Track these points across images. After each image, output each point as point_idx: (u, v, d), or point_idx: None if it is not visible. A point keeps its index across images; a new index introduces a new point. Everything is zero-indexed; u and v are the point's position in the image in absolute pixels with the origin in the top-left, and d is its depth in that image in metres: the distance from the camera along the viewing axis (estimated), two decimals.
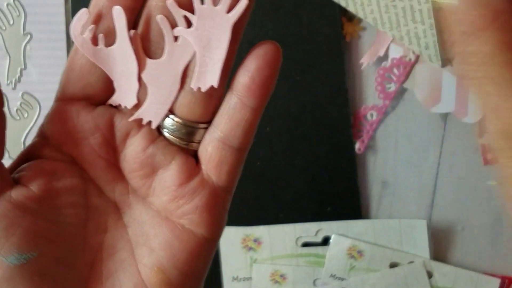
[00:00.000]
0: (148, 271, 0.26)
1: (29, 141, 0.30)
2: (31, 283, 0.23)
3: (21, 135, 0.52)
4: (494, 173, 0.52)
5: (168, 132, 0.26)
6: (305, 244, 0.54)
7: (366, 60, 0.51)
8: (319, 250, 0.54)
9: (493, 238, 0.54)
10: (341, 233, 0.53)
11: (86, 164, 0.26)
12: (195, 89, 0.25)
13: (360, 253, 0.53)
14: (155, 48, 0.25)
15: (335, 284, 0.54)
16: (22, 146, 0.52)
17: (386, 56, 0.51)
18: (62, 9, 0.53)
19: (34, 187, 0.24)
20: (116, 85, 0.26)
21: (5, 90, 0.52)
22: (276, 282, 0.54)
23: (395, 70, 0.51)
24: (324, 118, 0.53)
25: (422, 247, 0.53)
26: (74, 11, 0.52)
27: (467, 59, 0.20)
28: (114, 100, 0.26)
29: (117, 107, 0.27)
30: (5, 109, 0.50)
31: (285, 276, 0.54)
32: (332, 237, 0.53)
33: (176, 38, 0.25)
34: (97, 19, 0.25)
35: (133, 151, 0.26)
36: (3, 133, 0.24)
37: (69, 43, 0.54)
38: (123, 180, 0.27)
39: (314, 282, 0.54)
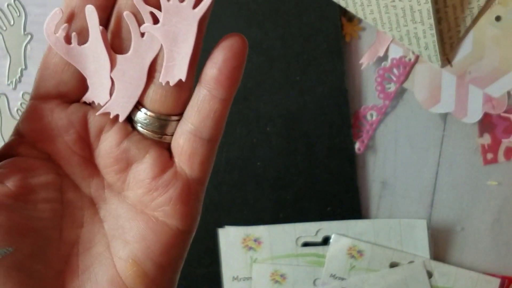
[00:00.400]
0: (123, 263, 0.26)
1: None
2: (7, 277, 0.24)
3: None
4: (494, 173, 0.53)
5: (141, 126, 0.27)
6: (305, 244, 0.54)
7: (366, 60, 0.51)
8: (319, 250, 0.54)
9: (493, 238, 0.54)
10: (341, 233, 0.53)
11: (61, 161, 0.27)
12: (163, 83, 0.26)
13: (360, 253, 0.53)
14: (126, 45, 0.26)
15: (335, 284, 0.54)
16: None
17: (386, 56, 0.51)
18: None
19: (10, 183, 0.25)
20: (89, 82, 0.27)
21: (5, 90, 0.52)
22: (276, 282, 0.54)
23: (394, 70, 0.51)
24: (324, 118, 0.53)
25: (422, 247, 0.53)
26: None
27: None
28: (88, 97, 0.27)
29: (90, 104, 0.27)
30: (5, 108, 0.50)
31: (285, 276, 0.54)
32: (332, 237, 0.53)
33: (142, 34, 0.26)
34: (70, 18, 0.25)
35: (107, 146, 0.27)
36: None
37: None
38: (99, 175, 0.27)
39: (314, 282, 0.54)
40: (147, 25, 0.26)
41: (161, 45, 0.26)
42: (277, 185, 0.54)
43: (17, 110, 0.52)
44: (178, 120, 0.27)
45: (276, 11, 0.52)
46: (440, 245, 0.54)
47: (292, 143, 0.53)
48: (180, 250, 0.28)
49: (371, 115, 0.52)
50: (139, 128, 0.27)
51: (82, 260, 0.26)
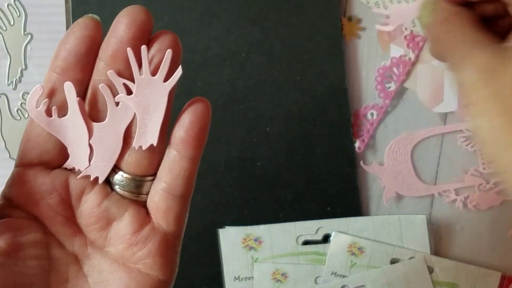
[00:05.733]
0: None
1: None
2: None
3: (22, 135, 0.52)
4: (494, 173, 0.53)
5: (119, 187, 0.29)
6: (306, 242, 0.54)
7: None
8: (319, 248, 0.54)
9: (492, 235, 0.55)
10: (341, 230, 0.54)
11: (46, 221, 0.29)
12: (136, 147, 0.28)
13: (360, 250, 0.54)
14: (102, 114, 0.29)
15: (336, 281, 0.54)
16: None
17: (386, 55, 0.52)
18: (62, 9, 0.52)
19: (1, 242, 0.27)
20: (69, 150, 0.29)
21: (5, 90, 0.51)
22: (278, 280, 0.55)
23: (394, 70, 0.52)
24: (324, 118, 0.53)
25: (422, 243, 0.54)
26: (74, 11, 0.52)
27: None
28: (69, 164, 0.29)
29: (71, 170, 0.29)
30: (5, 108, 0.50)
31: (287, 274, 0.54)
32: (333, 234, 0.54)
33: (117, 103, 0.28)
34: (51, 94, 0.28)
35: (89, 206, 0.29)
36: None
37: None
38: (81, 233, 0.29)
39: (315, 280, 0.54)
40: (121, 95, 0.28)
41: (134, 113, 0.28)
42: (277, 185, 0.54)
43: (17, 110, 0.52)
44: (153, 180, 0.29)
45: (276, 11, 0.52)
46: (440, 240, 0.55)
47: (292, 143, 0.54)
48: None
49: (372, 115, 0.53)
50: (117, 189, 0.29)
51: None
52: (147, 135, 0.28)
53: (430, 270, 0.54)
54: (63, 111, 0.28)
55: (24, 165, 0.28)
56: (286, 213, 0.54)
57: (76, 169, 0.29)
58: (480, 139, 0.28)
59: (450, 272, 0.54)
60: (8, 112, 0.51)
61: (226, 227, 0.54)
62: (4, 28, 0.51)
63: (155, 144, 0.28)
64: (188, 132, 0.27)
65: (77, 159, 0.29)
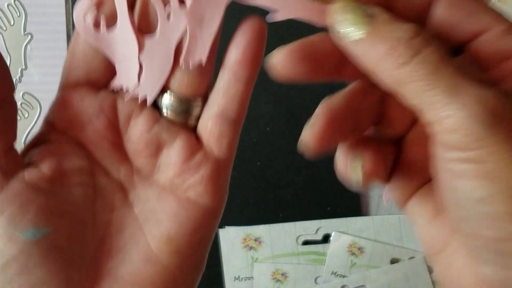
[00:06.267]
0: (157, 241, 0.27)
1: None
2: (47, 257, 0.24)
3: (22, 135, 0.52)
4: None
5: (167, 111, 0.27)
6: (306, 242, 0.54)
7: None
8: (319, 248, 0.54)
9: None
10: (341, 230, 0.54)
11: (92, 147, 0.27)
12: (185, 63, 0.26)
13: (360, 250, 0.54)
14: (152, 28, 0.26)
15: (336, 281, 0.54)
16: (23, 146, 0.51)
17: None
18: (62, 9, 0.53)
19: (45, 168, 0.26)
20: (117, 67, 0.27)
21: None
22: (278, 280, 0.55)
23: None
24: None
25: None
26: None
27: (406, 67, 0.21)
28: (116, 82, 0.27)
29: (118, 92, 0.28)
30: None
31: (287, 274, 0.55)
32: (333, 234, 0.54)
33: (168, 15, 0.26)
34: (99, 4, 0.26)
35: (138, 131, 0.27)
36: (15, 117, 0.26)
37: (70, 43, 0.54)
38: (127, 160, 0.28)
39: (315, 280, 0.55)
40: (174, 6, 0.25)
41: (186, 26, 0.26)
42: (277, 185, 0.54)
43: None
44: (203, 103, 0.27)
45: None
46: None
47: (292, 143, 0.54)
48: (210, 227, 0.28)
49: None
50: (166, 113, 0.27)
51: (115, 241, 0.27)
52: (197, 50, 0.26)
53: (430, 270, 0.54)
54: (111, 23, 0.26)
55: (69, 86, 0.27)
56: (286, 213, 0.54)
57: (124, 88, 0.27)
58: None
59: None
60: None
61: (226, 227, 0.54)
62: (4, 28, 0.51)
63: (204, 61, 0.26)
64: (244, 53, 0.26)
65: (126, 77, 0.27)
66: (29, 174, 0.25)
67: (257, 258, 0.54)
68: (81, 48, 0.27)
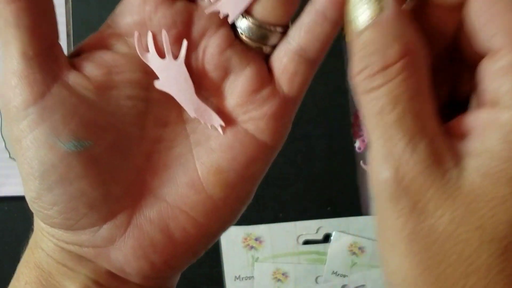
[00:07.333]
0: (205, 169, 0.26)
1: None
2: (88, 170, 0.24)
3: None
4: None
5: (242, 34, 0.26)
6: (306, 242, 0.54)
7: None
8: (320, 247, 0.54)
9: None
10: (342, 230, 0.54)
11: None
12: None
13: (361, 249, 0.54)
14: None
15: (337, 281, 0.54)
16: None
17: None
18: (62, 9, 0.52)
19: (93, 77, 0.25)
20: None
21: None
22: (278, 280, 0.55)
23: None
24: (324, 118, 0.53)
25: None
26: (74, 11, 0.52)
27: (367, 95, 0.21)
28: None
29: (198, 3, 0.26)
30: None
31: (287, 274, 0.55)
32: (333, 234, 0.54)
33: None
34: None
35: (210, 52, 0.25)
36: (54, 12, 0.24)
37: (69, 43, 0.54)
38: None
39: (316, 279, 0.55)
40: None
41: None
42: (277, 185, 0.54)
43: None
44: (282, 33, 0.25)
45: None
46: None
47: (292, 143, 0.54)
48: (263, 164, 0.27)
49: None
50: (242, 36, 0.26)
51: (163, 159, 0.26)
52: None
53: None
54: None
55: None
56: (286, 213, 0.54)
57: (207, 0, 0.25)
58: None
59: None
60: None
61: None
62: None
63: None
64: None
65: None
66: (73, 80, 0.24)
67: (257, 258, 0.54)
68: None
